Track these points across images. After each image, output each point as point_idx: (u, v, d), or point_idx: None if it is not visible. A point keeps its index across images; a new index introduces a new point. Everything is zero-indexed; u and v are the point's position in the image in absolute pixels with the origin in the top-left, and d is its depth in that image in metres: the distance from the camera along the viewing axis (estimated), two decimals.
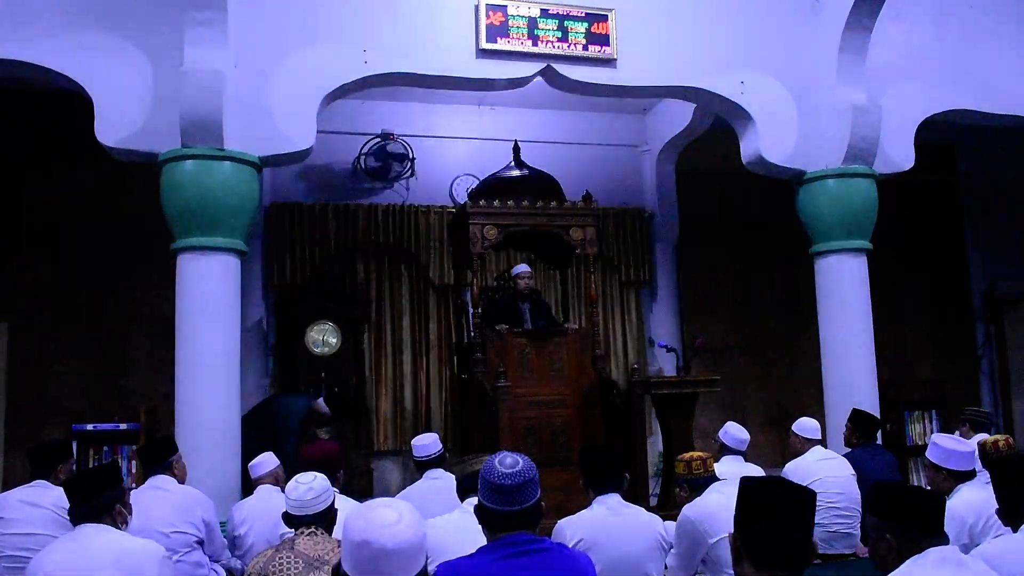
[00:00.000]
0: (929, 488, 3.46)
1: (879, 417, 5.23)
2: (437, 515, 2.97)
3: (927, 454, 3.46)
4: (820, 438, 4.53)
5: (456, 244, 6.31)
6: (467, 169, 7.32)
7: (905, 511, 2.05)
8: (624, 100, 7.15)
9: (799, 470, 4.28)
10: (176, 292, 4.71)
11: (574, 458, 4.93)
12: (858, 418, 4.78)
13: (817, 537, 4.28)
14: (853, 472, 4.28)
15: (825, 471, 4.23)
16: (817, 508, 4.20)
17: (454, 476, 3.22)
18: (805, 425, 4.55)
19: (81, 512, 2.72)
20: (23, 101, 6.18)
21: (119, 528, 2.77)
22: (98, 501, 2.73)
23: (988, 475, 3.54)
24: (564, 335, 5.62)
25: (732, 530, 1.72)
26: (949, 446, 3.36)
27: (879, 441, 5.11)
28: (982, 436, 4.76)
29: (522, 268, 6.11)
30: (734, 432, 4.45)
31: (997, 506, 2.71)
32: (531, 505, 2.09)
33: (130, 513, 2.87)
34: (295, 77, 4.91)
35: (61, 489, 3.36)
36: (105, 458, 5.14)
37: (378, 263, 7.17)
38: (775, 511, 1.67)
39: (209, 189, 4.62)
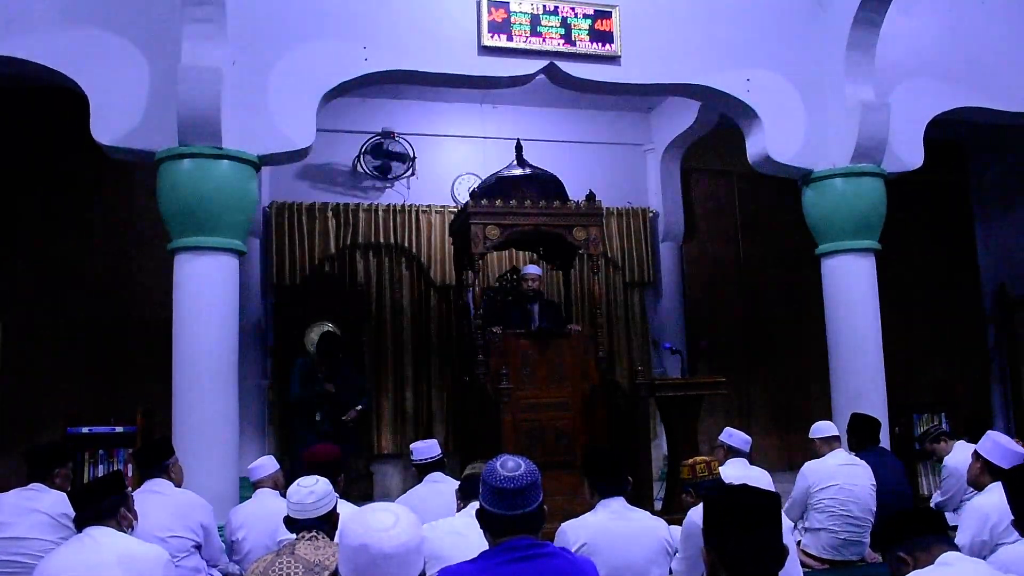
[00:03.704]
0: (966, 478, 3.56)
1: (883, 420, 5.20)
2: (437, 519, 2.92)
3: (978, 446, 3.47)
4: (837, 434, 4.48)
5: (458, 244, 6.25)
6: (469, 168, 7.28)
7: (907, 525, 2.18)
8: (628, 98, 7.10)
9: (818, 472, 4.25)
10: (173, 293, 4.68)
11: (577, 461, 4.85)
12: (856, 423, 4.73)
13: (827, 543, 4.26)
14: (874, 482, 4.21)
15: (844, 477, 4.18)
16: (830, 515, 4.21)
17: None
18: (820, 428, 4.52)
19: (86, 516, 2.74)
20: (17, 98, 6.16)
21: (124, 532, 2.79)
22: (103, 505, 2.75)
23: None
24: (567, 336, 5.56)
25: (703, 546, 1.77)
26: (1005, 444, 3.38)
27: (885, 445, 5.06)
28: (960, 443, 4.70)
29: (530, 269, 6.07)
30: (738, 433, 4.47)
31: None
32: (533, 509, 2.05)
33: (135, 518, 2.89)
34: (294, 74, 4.88)
35: (57, 493, 3.36)
36: (101, 461, 5.10)
37: (378, 263, 7.12)
38: (743, 520, 1.71)
39: (207, 188, 4.59)
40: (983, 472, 3.36)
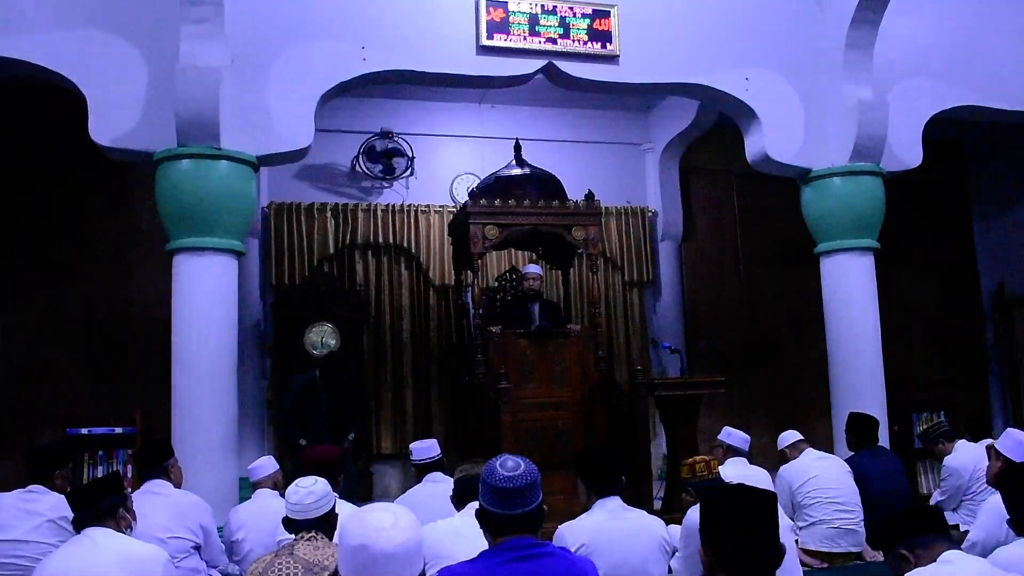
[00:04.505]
0: (985, 475, 3.66)
1: (881, 419, 5.20)
2: (437, 520, 2.91)
3: (998, 444, 3.52)
4: (802, 437, 4.57)
5: (457, 244, 6.25)
6: (468, 168, 7.29)
7: (908, 524, 2.18)
8: (627, 98, 7.11)
9: (794, 471, 4.33)
10: (172, 293, 4.68)
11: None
12: (854, 422, 4.77)
13: (821, 534, 4.30)
14: (849, 470, 4.31)
15: (819, 469, 4.26)
16: (817, 504, 4.26)
17: (455, 478, 3.15)
18: (785, 436, 4.61)
19: (85, 517, 2.74)
20: (16, 99, 6.15)
21: (123, 533, 2.78)
22: (102, 506, 2.75)
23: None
24: (566, 336, 5.56)
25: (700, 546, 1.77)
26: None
27: (885, 444, 5.07)
28: (961, 442, 4.71)
29: (530, 268, 6.09)
30: (737, 432, 4.50)
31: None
32: (533, 509, 2.06)
33: (134, 519, 2.89)
34: (293, 74, 4.88)
35: (57, 495, 3.36)
36: (100, 462, 5.10)
37: (377, 263, 7.12)
38: (740, 519, 1.71)
39: (205, 189, 4.59)
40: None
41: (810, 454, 4.40)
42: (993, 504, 3.24)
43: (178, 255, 4.66)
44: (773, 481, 4.28)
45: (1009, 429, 3.59)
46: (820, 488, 4.17)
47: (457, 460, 5.85)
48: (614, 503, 3.00)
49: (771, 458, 6.77)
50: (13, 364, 6.17)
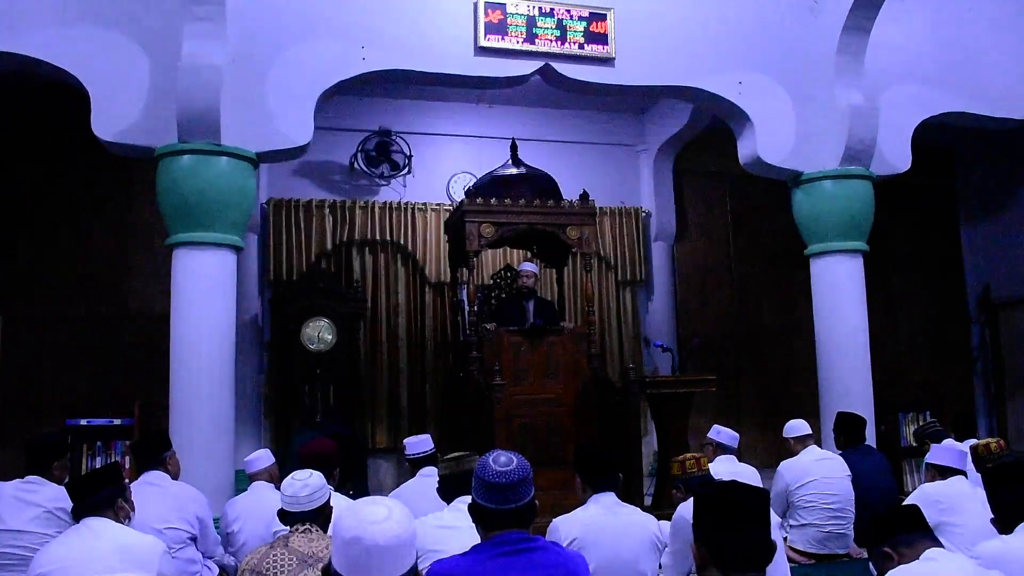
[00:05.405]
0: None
1: (868, 418, 5.26)
2: (430, 513, 2.96)
3: (927, 458, 3.80)
4: (810, 432, 4.57)
5: (452, 242, 6.30)
6: (464, 167, 7.32)
7: (892, 522, 2.22)
8: (622, 99, 7.16)
9: (794, 470, 4.32)
10: (171, 287, 4.71)
11: (569, 457, 4.90)
12: (842, 421, 4.81)
13: (812, 538, 4.34)
14: (848, 472, 4.32)
15: (821, 472, 4.26)
16: (812, 507, 4.29)
17: (439, 473, 3.21)
18: (794, 426, 4.60)
19: (84, 507, 2.77)
20: (19, 93, 6.17)
21: (121, 523, 2.81)
22: (101, 496, 2.78)
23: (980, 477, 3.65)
24: (560, 334, 5.61)
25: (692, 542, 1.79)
26: (947, 447, 3.83)
27: (872, 443, 5.15)
28: (948, 440, 4.82)
29: (526, 267, 6.12)
30: (727, 430, 4.54)
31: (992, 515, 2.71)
32: (525, 504, 2.09)
33: (133, 509, 2.92)
34: (293, 72, 4.91)
35: (56, 487, 3.38)
36: (98, 453, 5.14)
37: (374, 260, 7.17)
38: (733, 516, 1.73)
39: (206, 184, 4.62)
40: (935, 478, 3.67)
41: (813, 452, 4.40)
42: (922, 489, 3.62)
43: (177, 249, 4.69)
44: (761, 477, 4.30)
45: (933, 445, 3.93)
46: (818, 493, 4.18)
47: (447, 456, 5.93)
48: (609, 498, 3.04)
49: (760, 455, 6.90)
50: (14, 356, 6.20)
